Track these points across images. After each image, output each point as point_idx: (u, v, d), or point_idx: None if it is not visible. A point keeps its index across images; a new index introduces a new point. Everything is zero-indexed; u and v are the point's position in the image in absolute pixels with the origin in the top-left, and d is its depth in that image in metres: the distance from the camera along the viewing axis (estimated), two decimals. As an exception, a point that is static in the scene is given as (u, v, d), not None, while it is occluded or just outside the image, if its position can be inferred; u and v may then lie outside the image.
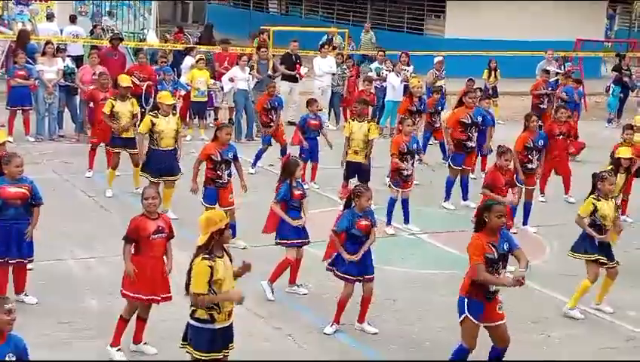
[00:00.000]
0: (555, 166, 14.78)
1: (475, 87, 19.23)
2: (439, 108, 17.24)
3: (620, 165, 12.02)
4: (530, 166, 13.20)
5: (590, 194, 10.06)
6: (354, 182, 13.81)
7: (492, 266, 7.78)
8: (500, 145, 11.55)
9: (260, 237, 10.73)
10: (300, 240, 10.13)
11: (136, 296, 8.33)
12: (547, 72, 21.32)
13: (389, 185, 13.02)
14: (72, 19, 24.05)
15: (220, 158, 11.40)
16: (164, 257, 8.49)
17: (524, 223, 13.13)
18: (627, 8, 37.17)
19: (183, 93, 18.54)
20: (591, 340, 9.48)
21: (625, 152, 12.10)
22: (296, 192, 10.13)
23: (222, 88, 19.32)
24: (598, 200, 9.99)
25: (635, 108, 23.76)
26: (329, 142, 15.01)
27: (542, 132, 14.11)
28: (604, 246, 9.92)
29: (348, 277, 9.09)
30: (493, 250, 7.78)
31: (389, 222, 12.85)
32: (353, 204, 9.17)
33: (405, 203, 12.97)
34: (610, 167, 11.79)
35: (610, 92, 23.56)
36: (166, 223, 8.49)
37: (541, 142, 13.36)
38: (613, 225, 10.16)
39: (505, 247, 7.87)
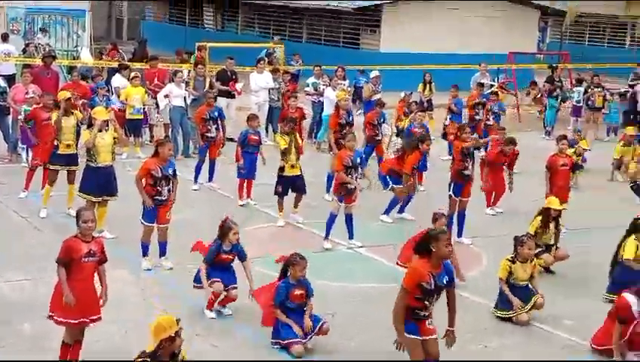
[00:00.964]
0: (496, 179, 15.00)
1: (411, 100, 19.47)
2: (381, 120, 17.30)
3: (549, 215, 11.86)
4: (466, 172, 13.31)
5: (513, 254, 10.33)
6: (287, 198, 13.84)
7: (426, 297, 7.63)
8: (435, 212, 11.56)
9: (193, 256, 10.61)
10: (229, 286, 9.94)
11: (67, 320, 8.17)
12: (482, 84, 21.62)
13: (333, 200, 12.93)
14: (4, 38, 23.68)
15: (160, 174, 11.25)
16: (97, 279, 8.34)
17: (459, 235, 13.19)
18: (558, 21, 37.88)
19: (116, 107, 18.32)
20: (527, 350, 9.57)
21: (554, 203, 11.96)
22: (224, 256, 9.88)
23: (157, 105, 19.17)
24: (514, 262, 10.23)
25: (567, 118, 24.21)
26: (263, 158, 14.98)
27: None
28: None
29: (293, 341, 9.03)
30: (432, 281, 7.61)
31: (326, 237, 12.83)
32: (290, 272, 9.10)
33: (349, 218, 12.89)
34: (538, 219, 11.86)
35: (547, 105, 23.91)
36: (99, 246, 8.34)
37: (472, 149, 13.52)
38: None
39: (444, 280, 7.69)
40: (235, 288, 9.93)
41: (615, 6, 31.97)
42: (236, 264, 9.99)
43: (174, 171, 11.48)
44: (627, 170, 16.69)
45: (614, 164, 17.91)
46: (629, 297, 8.78)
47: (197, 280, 9.95)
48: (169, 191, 11.34)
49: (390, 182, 14.36)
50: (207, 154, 16.01)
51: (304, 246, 12.20)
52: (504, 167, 15.17)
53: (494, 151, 15.10)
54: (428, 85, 23.07)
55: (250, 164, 14.84)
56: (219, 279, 9.83)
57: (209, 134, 15.97)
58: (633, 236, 10.72)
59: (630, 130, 18.02)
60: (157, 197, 11.25)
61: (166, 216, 11.40)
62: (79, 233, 8.23)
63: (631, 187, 16.50)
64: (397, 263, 11.27)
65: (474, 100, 20.27)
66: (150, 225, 11.29)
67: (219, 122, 16.23)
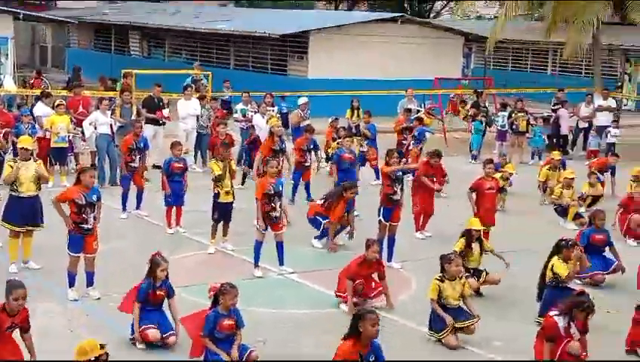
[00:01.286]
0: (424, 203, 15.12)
1: (339, 125, 19.57)
2: (310, 146, 17.33)
3: (471, 236, 11.98)
4: (395, 197, 13.40)
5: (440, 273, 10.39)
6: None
7: None
8: (367, 239, 11.63)
9: (121, 285, 10.45)
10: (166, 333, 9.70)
11: None
12: (409, 110, 21.86)
13: (256, 228, 12.74)
14: None
15: (84, 202, 11.03)
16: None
17: (389, 259, 13.23)
18: (482, 47, 38.51)
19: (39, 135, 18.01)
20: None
21: (475, 224, 12.09)
22: (158, 292, 9.67)
23: (83, 133, 18.91)
24: (442, 281, 10.29)
25: (493, 142, 24.58)
26: (186, 185, 14.85)
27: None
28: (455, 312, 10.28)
29: None
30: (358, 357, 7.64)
31: (256, 264, 12.74)
32: (220, 301, 8.98)
33: (279, 245, 12.77)
34: (462, 240, 12.00)
35: (473, 130, 24.25)
36: (22, 318, 8.20)
37: (400, 173, 13.62)
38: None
39: (370, 359, 7.75)
40: (173, 335, 9.68)
41: (536, 32, 32.65)
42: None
43: (99, 197, 11.29)
44: (552, 193, 17.01)
45: (540, 187, 18.23)
46: (554, 316, 8.92)
47: (133, 331, 9.66)
48: (94, 219, 11.16)
49: (321, 220, 14.35)
50: (133, 183, 15.83)
51: (234, 273, 12.14)
52: (434, 189, 15.36)
53: (422, 164, 15.19)
54: (355, 111, 23.22)
55: (176, 192, 14.69)
56: (155, 326, 9.59)
57: (133, 164, 15.82)
58: (556, 257, 10.92)
59: (556, 155, 18.36)
60: (82, 225, 11.03)
61: (93, 246, 11.18)
62: (7, 306, 8.05)
63: (555, 209, 16.81)
64: (336, 294, 11.28)
65: (401, 125, 20.46)
66: (76, 255, 11.09)
67: (145, 152, 16.11)
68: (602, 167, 18.65)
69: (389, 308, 11.25)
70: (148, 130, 19.47)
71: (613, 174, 18.86)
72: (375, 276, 11.43)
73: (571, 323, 8.92)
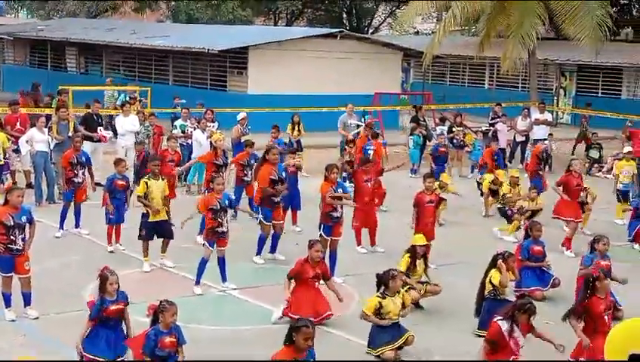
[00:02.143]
0: (365, 216, 15.14)
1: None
2: (251, 161, 17.24)
3: (416, 252, 12.07)
4: (335, 214, 13.43)
5: (379, 290, 10.38)
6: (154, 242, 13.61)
7: None
8: (310, 239, 11.67)
9: (59, 304, 10.26)
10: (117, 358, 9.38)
11: None
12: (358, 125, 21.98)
13: (203, 245, 12.72)
14: None
15: (12, 223, 10.78)
16: None
17: (331, 274, 13.20)
18: (420, 62, 38.84)
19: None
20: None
21: (419, 240, 12.19)
22: (112, 307, 9.41)
23: (18, 151, 18.59)
24: (384, 297, 10.30)
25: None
26: (127, 203, 14.71)
27: (339, 181, 14.44)
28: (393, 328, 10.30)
29: None
30: None
31: (197, 282, 12.63)
32: (160, 319, 8.81)
33: (222, 261, 12.71)
34: (407, 257, 12.06)
35: (411, 144, 24.42)
36: None
37: (340, 190, 13.68)
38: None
39: None
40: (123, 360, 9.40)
41: (473, 47, 33.12)
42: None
43: (30, 219, 11.04)
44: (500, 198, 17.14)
45: (486, 196, 18.38)
46: (499, 321, 9.02)
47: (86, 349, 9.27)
48: (23, 240, 10.90)
49: (260, 215, 14.32)
50: (74, 200, 15.59)
51: (175, 290, 12.01)
52: (375, 203, 15.43)
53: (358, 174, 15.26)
54: (296, 126, 23.24)
55: (118, 209, 14.53)
56: (100, 357, 9.14)
57: (76, 179, 15.57)
58: (494, 270, 11.04)
59: (514, 172, 18.19)
60: (10, 246, 10.78)
61: (24, 266, 10.90)
62: None
63: (498, 208, 16.99)
64: (287, 314, 11.22)
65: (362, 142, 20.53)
66: (7, 275, 10.86)
67: (86, 167, 15.86)
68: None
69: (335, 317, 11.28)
70: (86, 147, 19.21)
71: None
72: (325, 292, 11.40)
73: (514, 326, 9.02)
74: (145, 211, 13.51)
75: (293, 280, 11.35)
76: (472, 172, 23.65)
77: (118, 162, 15.04)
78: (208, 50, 31.17)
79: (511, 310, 9.10)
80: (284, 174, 14.85)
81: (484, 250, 12.83)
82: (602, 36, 28.96)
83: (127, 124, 20.44)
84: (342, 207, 13.55)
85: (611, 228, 16.89)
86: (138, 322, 9.93)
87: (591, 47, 29.18)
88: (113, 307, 9.26)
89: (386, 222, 16.08)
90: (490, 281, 10.98)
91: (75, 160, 15.63)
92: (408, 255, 12.04)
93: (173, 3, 50.98)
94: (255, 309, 12.09)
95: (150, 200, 13.45)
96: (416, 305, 12.01)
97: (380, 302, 10.30)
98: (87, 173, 15.83)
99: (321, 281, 11.56)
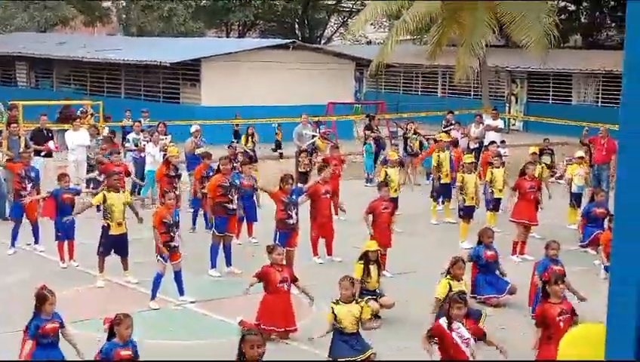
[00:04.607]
0: (323, 226, 15.15)
1: (237, 151, 19.53)
2: (210, 174, 17.15)
3: (368, 258, 12.06)
4: (290, 221, 13.46)
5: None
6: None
7: None
8: (268, 245, 11.69)
9: (10, 324, 10.11)
10: None
11: None
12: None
13: (157, 259, 12.61)
14: None
15: None
16: None
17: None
18: (373, 71, 39.08)
19: None
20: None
21: (371, 245, 12.22)
22: (48, 326, 9.19)
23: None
24: (337, 304, 10.23)
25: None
26: (77, 213, 14.49)
27: (295, 187, 14.45)
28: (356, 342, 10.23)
29: None
30: None
31: (153, 297, 12.51)
32: (116, 331, 8.62)
33: (178, 275, 12.64)
34: (359, 264, 12.06)
35: (365, 153, 24.49)
36: None
37: (294, 197, 13.79)
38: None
39: None
40: None
41: (425, 56, 33.38)
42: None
43: None
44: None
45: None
46: (439, 320, 9.18)
47: None
48: None
49: (212, 224, 14.28)
50: (26, 217, 15.38)
51: (132, 306, 11.88)
52: (332, 213, 15.45)
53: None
54: (250, 138, 23.22)
55: (65, 224, 14.32)
56: None
57: (23, 193, 15.38)
58: (448, 277, 11.06)
59: (468, 158, 18.30)
60: None
61: None
62: None
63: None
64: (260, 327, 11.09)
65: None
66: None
67: (36, 182, 15.69)
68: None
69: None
70: (37, 163, 19.00)
71: None
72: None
73: (452, 321, 9.09)
74: (105, 224, 13.35)
75: (262, 287, 11.27)
76: (427, 179, 23.70)
77: (61, 177, 14.94)
78: (160, 62, 31.01)
79: (445, 309, 9.26)
80: (237, 182, 14.82)
81: (439, 257, 12.87)
82: (548, 44, 29.39)
83: (78, 138, 20.23)
84: (296, 214, 13.58)
85: (564, 232, 17.08)
86: (94, 338, 9.83)
87: (538, 54, 29.60)
88: (49, 325, 9.16)
89: (343, 231, 16.08)
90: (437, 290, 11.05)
91: (23, 173, 15.47)
92: (361, 262, 12.06)
93: (124, 16, 50.64)
94: (211, 323, 12.01)
95: (111, 213, 13.31)
96: (375, 315, 12.02)
97: (332, 308, 10.24)
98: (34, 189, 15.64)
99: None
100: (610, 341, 2.12)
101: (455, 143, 21.40)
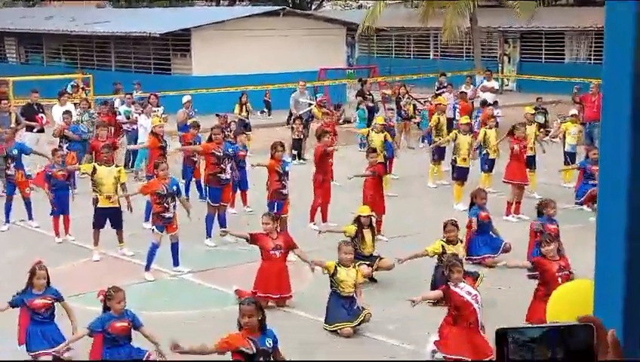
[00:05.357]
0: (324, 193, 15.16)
1: (229, 120, 19.44)
2: (197, 142, 17.09)
3: (361, 223, 12.13)
4: (285, 191, 13.51)
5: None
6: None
7: (250, 360, 7.63)
8: (264, 213, 11.69)
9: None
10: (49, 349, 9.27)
11: None
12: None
13: (153, 230, 12.59)
14: None
15: None
16: None
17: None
18: (364, 36, 38.91)
19: None
20: (356, 356, 9.66)
21: (364, 210, 12.31)
22: (37, 302, 9.22)
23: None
24: (339, 265, 10.38)
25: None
26: (72, 193, 14.47)
27: (284, 160, 14.42)
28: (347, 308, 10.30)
29: None
30: (252, 345, 7.60)
31: (148, 268, 12.48)
32: (110, 306, 8.70)
33: (175, 246, 12.60)
34: (352, 227, 12.10)
35: (357, 118, 24.41)
36: None
37: (287, 167, 13.89)
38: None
39: (268, 343, 7.71)
40: (69, 349, 9.30)
41: (416, 19, 33.18)
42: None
43: None
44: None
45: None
46: (445, 285, 9.31)
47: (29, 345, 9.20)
48: None
49: (206, 196, 14.25)
50: (20, 193, 15.36)
51: (127, 278, 11.88)
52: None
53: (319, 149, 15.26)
54: (244, 106, 23.12)
55: (60, 199, 14.29)
56: (47, 349, 9.12)
57: (8, 171, 15.38)
58: (437, 240, 11.17)
59: (464, 120, 18.38)
60: None
61: None
62: None
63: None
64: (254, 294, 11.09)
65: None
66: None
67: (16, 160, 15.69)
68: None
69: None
70: (29, 138, 18.92)
71: None
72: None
73: (457, 282, 9.24)
74: (95, 197, 13.31)
75: (259, 252, 11.31)
76: (422, 142, 23.62)
77: (54, 152, 14.89)
78: (150, 34, 30.79)
79: (443, 274, 9.49)
80: (230, 151, 14.75)
81: (434, 220, 12.86)
82: (536, 3, 29.21)
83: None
84: (286, 184, 13.65)
85: (560, 191, 17.08)
86: (91, 311, 9.82)
87: (524, 14, 29.44)
88: (39, 301, 9.17)
89: (337, 197, 16.05)
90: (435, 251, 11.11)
91: (5, 153, 15.48)
92: (354, 225, 12.10)
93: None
94: (209, 292, 12.01)
95: (100, 186, 13.26)
96: (370, 279, 12.04)
97: (335, 267, 10.35)
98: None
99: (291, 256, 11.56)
100: (597, 297, 2.08)
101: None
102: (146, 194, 12.48)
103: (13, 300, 9.26)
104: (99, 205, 13.32)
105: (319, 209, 15.25)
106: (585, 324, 1.71)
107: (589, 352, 1.68)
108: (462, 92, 24.13)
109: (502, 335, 1.63)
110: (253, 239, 11.36)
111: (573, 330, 1.69)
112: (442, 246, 11.06)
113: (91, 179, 13.37)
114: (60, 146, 17.78)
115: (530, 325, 1.64)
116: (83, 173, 13.40)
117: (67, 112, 19.39)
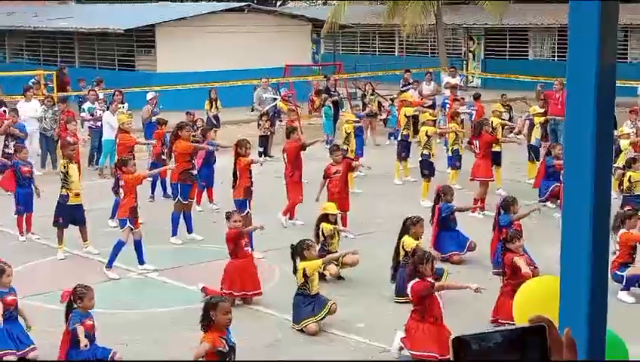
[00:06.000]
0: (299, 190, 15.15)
1: (196, 118, 19.38)
2: (166, 140, 17.01)
3: (328, 220, 12.14)
4: (252, 188, 13.62)
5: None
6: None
7: (224, 359, 7.74)
8: (227, 212, 11.66)
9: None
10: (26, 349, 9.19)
11: None
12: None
13: (122, 226, 12.43)
14: None
15: None
16: None
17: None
18: (330, 33, 38.92)
19: None
20: (325, 356, 9.66)
21: (330, 208, 12.33)
22: (9, 298, 9.13)
23: None
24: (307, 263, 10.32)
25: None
26: (37, 190, 14.32)
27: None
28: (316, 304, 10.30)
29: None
30: (224, 343, 7.72)
31: (109, 265, 12.33)
32: (75, 306, 8.60)
33: (138, 243, 12.51)
34: (330, 226, 12.11)
35: (323, 114, 24.39)
36: None
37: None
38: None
39: (233, 339, 7.85)
40: (34, 349, 9.22)
41: (381, 15, 33.26)
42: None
43: None
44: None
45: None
46: (415, 282, 9.31)
47: None
48: None
49: (177, 194, 14.10)
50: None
51: (94, 276, 11.78)
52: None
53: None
54: (214, 102, 23.09)
55: (25, 197, 14.14)
56: (12, 349, 9.05)
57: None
58: (406, 235, 11.19)
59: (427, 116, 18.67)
60: None
61: None
62: None
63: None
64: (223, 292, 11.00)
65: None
66: None
67: None
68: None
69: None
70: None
71: None
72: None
73: (426, 279, 9.31)
74: (65, 193, 13.15)
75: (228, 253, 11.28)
76: (389, 139, 23.66)
77: (19, 149, 14.74)
78: (114, 29, 30.56)
79: (413, 267, 9.43)
80: (212, 147, 15.03)
81: (399, 217, 12.89)
82: (507, 1, 29.43)
83: (30, 110, 19.93)
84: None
85: (524, 187, 17.21)
86: (53, 310, 9.73)
87: (495, 11, 29.63)
88: (9, 298, 9.13)
89: (304, 194, 16.04)
90: (403, 247, 11.11)
91: None
92: (327, 223, 12.05)
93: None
94: (174, 290, 11.95)
95: (70, 184, 13.13)
96: (338, 277, 12.05)
97: (303, 268, 10.28)
98: None
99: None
100: (563, 293, 2.10)
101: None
102: (132, 190, 12.42)
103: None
104: (69, 202, 13.18)
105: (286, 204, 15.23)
106: (537, 325, 1.72)
107: (543, 353, 1.69)
108: (452, 85, 24.32)
109: (458, 342, 1.64)
110: (235, 240, 11.26)
111: (525, 331, 1.70)
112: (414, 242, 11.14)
113: (64, 176, 13.20)
114: (5, 144, 17.64)
115: (485, 331, 1.66)
116: (63, 170, 13.20)
117: (14, 110, 19.29)
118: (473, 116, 21.75)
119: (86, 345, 8.40)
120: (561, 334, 1.74)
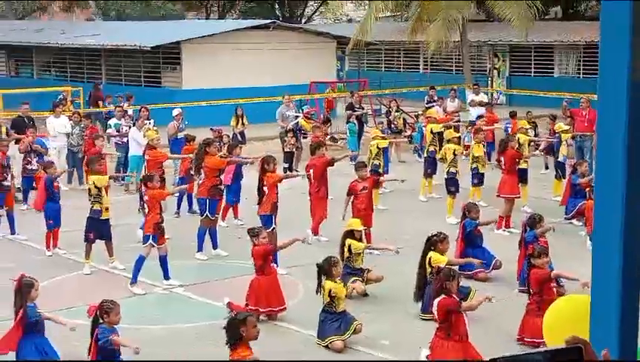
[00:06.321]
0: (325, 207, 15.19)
1: (222, 133, 19.51)
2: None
3: (353, 237, 12.09)
4: (278, 204, 13.58)
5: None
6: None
7: None
8: (252, 229, 11.68)
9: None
10: None
11: None
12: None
13: (145, 243, 12.44)
14: None
15: None
16: None
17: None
18: (355, 50, 38.95)
19: None
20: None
21: (355, 224, 12.25)
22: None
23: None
24: (334, 282, 10.31)
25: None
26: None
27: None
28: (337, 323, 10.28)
29: None
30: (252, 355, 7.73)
31: (134, 280, 12.39)
32: (102, 321, 8.65)
33: (164, 259, 12.54)
34: (362, 244, 12.12)
35: (348, 131, 24.41)
36: None
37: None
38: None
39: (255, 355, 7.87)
40: None
41: (406, 33, 33.30)
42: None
43: None
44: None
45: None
46: (442, 298, 9.14)
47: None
48: None
49: (205, 209, 14.11)
50: (5, 205, 15.31)
51: (120, 291, 11.82)
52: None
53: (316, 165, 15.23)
54: (240, 119, 23.21)
55: (55, 212, 14.25)
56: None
57: (5, 183, 15.32)
58: (432, 252, 11.13)
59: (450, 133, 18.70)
60: None
61: None
62: None
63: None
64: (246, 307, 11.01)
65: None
66: None
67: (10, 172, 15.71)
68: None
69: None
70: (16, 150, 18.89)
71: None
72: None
73: (453, 296, 9.20)
74: (98, 208, 13.23)
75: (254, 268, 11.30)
76: (417, 155, 23.53)
77: (49, 165, 14.87)
78: (140, 46, 30.79)
79: (440, 284, 9.26)
80: (243, 161, 15.52)
81: (425, 234, 12.84)
82: (532, 17, 29.32)
83: (59, 125, 20.10)
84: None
85: (551, 204, 17.11)
86: (78, 325, 9.76)
87: (521, 27, 29.55)
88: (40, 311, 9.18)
89: (329, 210, 16.03)
90: (430, 264, 11.05)
91: (5, 162, 15.44)
92: (354, 239, 12.02)
93: (102, 0, 50.25)
94: (199, 306, 11.97)
95: (102, 198, 13.22)
96: (363, 294, 12.03)
97: (330, 288, 10.26)
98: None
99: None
100: (594, 313, 2.09)
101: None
102: (156, 205, 12.47)
103: (31, 317, 9.07)
104: (101, 217, 13.26)
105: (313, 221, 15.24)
106: (574, 346, 1.72)
107: None
108: (487, 103, 24.39)
109: None
110: (264, 256, 11.29)
111: (562, 353, 1.70)
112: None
113: (96, 192, 13.27)
114: (28, 161, 17.77)
115: (520, 352, 1.65)
116: (98, 186, 13.31)
117: (34, 127, 19.52)
118: (509, 132, 21.68)
119: (137, 348, 8.45)
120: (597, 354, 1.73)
